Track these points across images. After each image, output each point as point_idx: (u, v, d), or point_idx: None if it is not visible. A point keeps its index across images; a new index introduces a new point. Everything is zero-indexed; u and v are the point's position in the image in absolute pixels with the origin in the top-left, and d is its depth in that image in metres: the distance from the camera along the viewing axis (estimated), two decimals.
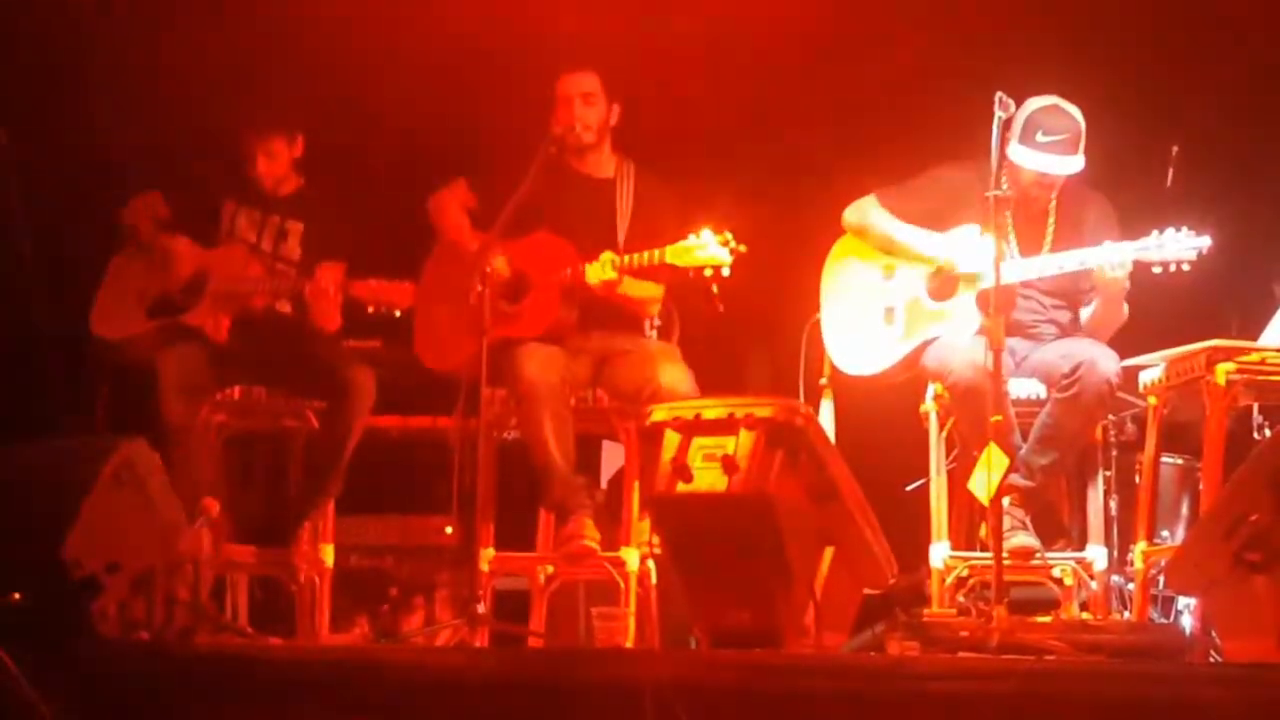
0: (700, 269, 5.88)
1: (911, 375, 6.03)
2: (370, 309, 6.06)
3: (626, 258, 5.99)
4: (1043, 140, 5.81)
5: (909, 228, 6.03)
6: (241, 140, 6.24)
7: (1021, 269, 5.84)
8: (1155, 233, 5.70)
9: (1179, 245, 5.66)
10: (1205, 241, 5.65)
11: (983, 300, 5.65)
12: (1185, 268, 5.66)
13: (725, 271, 5.87)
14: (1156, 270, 5.68)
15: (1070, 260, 5.81)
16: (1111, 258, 5.72)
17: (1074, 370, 5.73)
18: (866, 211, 6.12)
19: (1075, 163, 5.84)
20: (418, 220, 6.33)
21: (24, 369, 6.44)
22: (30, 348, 6.35)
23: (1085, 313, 5.98)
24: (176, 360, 6.04)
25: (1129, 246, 5.71)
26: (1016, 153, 5.81)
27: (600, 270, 5.97)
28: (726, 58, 7.07)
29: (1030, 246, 5.94)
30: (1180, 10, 6.81)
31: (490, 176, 6.18)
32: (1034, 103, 5.84)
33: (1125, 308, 5.90)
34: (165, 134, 6.75)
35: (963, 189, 5.91)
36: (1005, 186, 5.57)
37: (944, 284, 6.01)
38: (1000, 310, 5.31)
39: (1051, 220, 5.98)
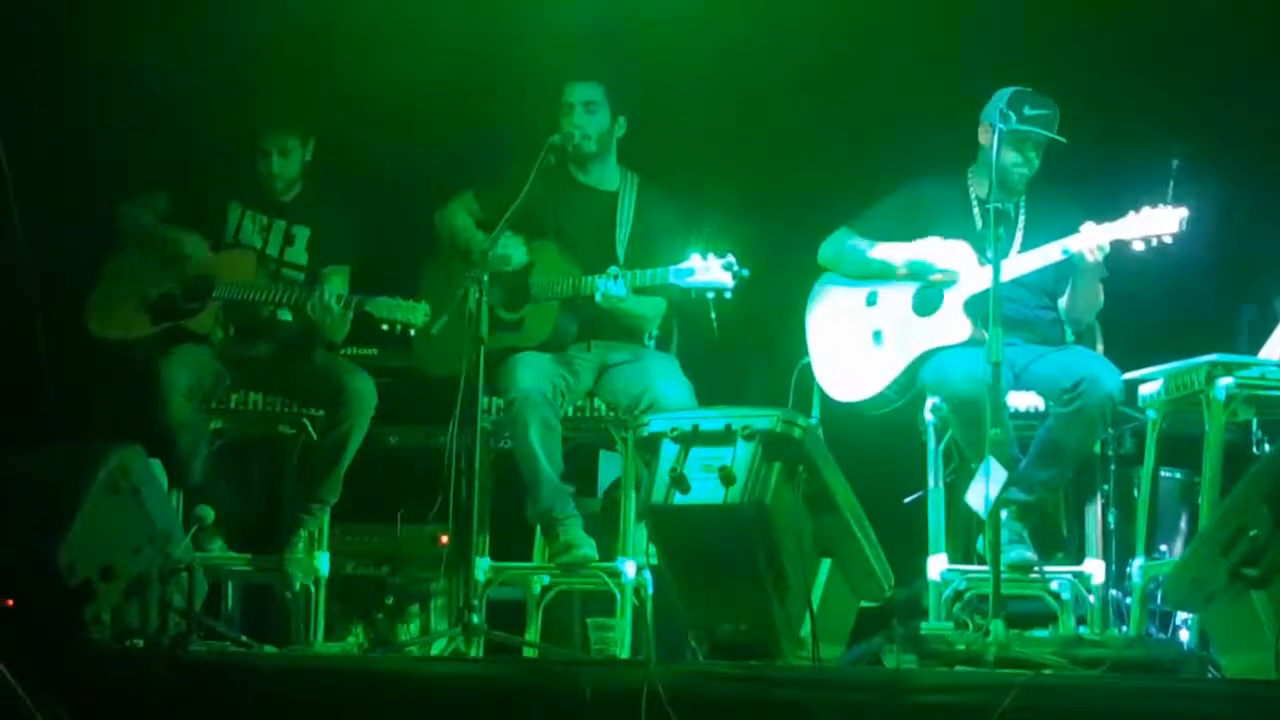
0: (703, 291, 5.87)
1: (911, 397, 6.01)
2: (385, 326, 6.04)
3: (631, 273, 5.98)
4: (1030, 114, 5.84)
5: (880, 246, 6.05)
6: (256, 136, 6.22)
7: (1009, 267, 5.78)
8: (1132, 211, 5.66)
9: (1157, 218, 5.61)
10: (1183, 211, 5.58)
11: (971, 308, 5.65)
12: (1168, 240, 5.60)
13: (727, 295, 5.86)
14: (1138, 248, 5.64)
15: (1054, 250, 5.78)
16: (1090, 240, 5.69)
17: (1075, 385, 5.70)
18: (840, 244, 6.15)
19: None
20: (425, 226, 6.32)
21: (19, 373, 6.41)
22: (25, 351, 6.32)
23: (1062, 302, 5.98)
24: (180, 362, 6.02)
25: (1108, 226, 5.68)
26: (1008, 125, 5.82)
27: (607, 284, 5.95)
28: (732, 73, 7.05)
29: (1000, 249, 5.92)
30: (1179, 20, 6.79)
31: (497, 189, 6.16)
32: (1007, 90, 5.88)
33: (1101, 291, 5.89)
34: (172, 136, 6.74)
35: (932, 203, 5.97)
36: (989, 190, 5.59)
37: (928, 297, 6.00)
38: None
39: (1021, 221, 5.99)
